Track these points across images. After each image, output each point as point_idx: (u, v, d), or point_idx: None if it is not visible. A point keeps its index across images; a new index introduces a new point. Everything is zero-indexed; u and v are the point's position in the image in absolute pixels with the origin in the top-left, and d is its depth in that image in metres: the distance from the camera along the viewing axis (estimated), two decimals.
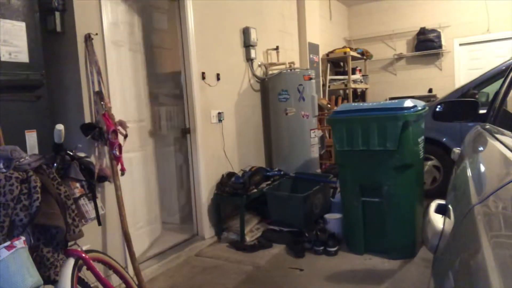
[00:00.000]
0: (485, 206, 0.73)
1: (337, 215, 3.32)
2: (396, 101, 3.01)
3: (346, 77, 6.23)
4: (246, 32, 4.11)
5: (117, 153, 2.43)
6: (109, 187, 2.52)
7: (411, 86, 6.93)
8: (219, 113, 3.71)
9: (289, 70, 4.31)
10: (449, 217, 0.93)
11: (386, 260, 2.84)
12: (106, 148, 2.52)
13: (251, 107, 4.30)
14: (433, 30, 6.65)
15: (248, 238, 3.34)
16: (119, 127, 2.46)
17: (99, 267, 1.84)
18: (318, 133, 4.50)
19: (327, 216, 3.40)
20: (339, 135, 2.96)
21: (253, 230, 3.50)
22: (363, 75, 6.87)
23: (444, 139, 3.94)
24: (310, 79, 4.21)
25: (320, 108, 4.93)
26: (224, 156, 3.72)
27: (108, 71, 2.62)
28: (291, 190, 3.85)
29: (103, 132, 2.41)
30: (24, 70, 2.04)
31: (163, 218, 3.21)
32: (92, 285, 1.86)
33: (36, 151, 2.03)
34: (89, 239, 2.17)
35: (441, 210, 1.02)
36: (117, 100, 2.71)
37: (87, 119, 2.47)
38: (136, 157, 3.02)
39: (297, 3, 5.25)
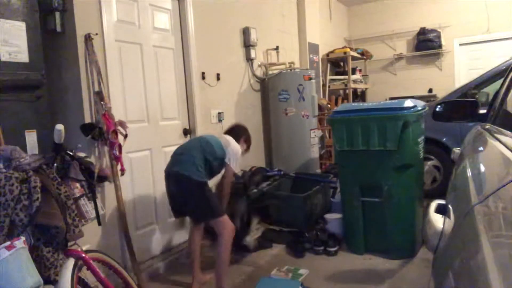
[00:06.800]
0: (485, 206, 0.73)
1: (337, 215, 3.32)
2: (396, 101, 3.00)
3: (346, 77, 6.22)
4: (246, 32, 4.11)
5: (117, 153, 2.43)
6: (109, 187, 2.52)
7: (411, 86, 6.93)
8: (219, 113, 3.71)
9: (289, 70, 4.31)
10: (449, 217, 0.93)
11: (386, 260, 2.83)
12: (106, 148, 2.52)
13: (251, 107, 4.30)
14: (433, 30, 6.64)
15: (248, 238, 3.34)
16: (119, 127, 2.46)
17: (99, 267, 1.84)
18: (318, 133, 4.50)
19: (327, 216, 3.39)
20: (339, 135, 2.95)
21: (253, 230, 3.49)
22: (363, 75, 6.87)
23: (444, 139, 3.93)
24: (310, 79, 4.21)
25: (320, 108, 4.93)
26: None
27: (108, 71, 2.62)
28: (291, 190, 3.85)
29: (103, 132, 2.41)
30: (24, 70, 2.04)
31: (163, 218, 3.21)
32: (92, 285, 1.86)
33: (36, 151, 2.02)
34: (89, 239, 2.17)
35: (441, 210, 1.03)
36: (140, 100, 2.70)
37: (87, 119, 2.47)
38: (137, 157, 3.01)
39: (297, 3, 5.25)
